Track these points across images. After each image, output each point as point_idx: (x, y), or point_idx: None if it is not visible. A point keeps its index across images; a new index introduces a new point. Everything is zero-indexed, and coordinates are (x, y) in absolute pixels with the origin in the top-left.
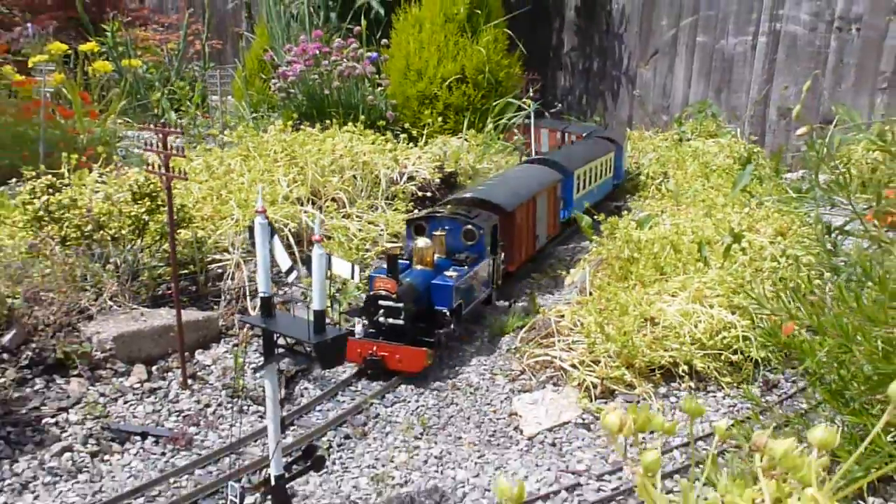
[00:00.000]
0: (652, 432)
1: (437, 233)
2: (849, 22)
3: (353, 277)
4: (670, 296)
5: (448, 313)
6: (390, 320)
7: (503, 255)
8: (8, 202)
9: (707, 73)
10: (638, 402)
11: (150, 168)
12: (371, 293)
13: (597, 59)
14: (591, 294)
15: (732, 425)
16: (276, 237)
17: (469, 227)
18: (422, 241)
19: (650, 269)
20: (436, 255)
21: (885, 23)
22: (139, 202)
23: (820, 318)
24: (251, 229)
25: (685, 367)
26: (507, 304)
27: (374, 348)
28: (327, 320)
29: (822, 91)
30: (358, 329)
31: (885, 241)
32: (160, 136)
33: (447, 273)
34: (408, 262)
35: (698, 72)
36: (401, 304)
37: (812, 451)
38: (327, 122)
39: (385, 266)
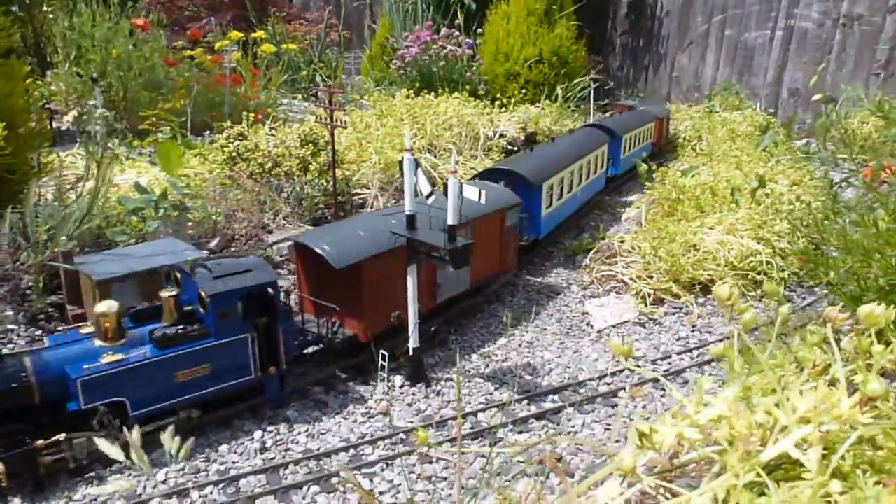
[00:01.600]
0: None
1: (166, 293)
2: (851, 19)
3: (480, 200)
4: (709, 228)
5: (97, 414)
6: None
7: (337, 322)
8: (208, 147)
9: (732, 59)
10: (683, 307)
11: (318, 120)
12: None
13: (643, 47)
14: (645, 226)
15: (793, 312)
16: (419, 169)
17: (202, 291)
18: (104, 305)
19: (692, 207)
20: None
21: (881, 20)
22: (305, 147)
23: (847, 240)
24: (401, 163)
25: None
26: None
27: None
28: None
29: (826, 75)
30: None
31: (880, 193)
32: (327, 94)
33: (105, 358)
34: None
35: (724, 58)
36: None
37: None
38: (438, 91)
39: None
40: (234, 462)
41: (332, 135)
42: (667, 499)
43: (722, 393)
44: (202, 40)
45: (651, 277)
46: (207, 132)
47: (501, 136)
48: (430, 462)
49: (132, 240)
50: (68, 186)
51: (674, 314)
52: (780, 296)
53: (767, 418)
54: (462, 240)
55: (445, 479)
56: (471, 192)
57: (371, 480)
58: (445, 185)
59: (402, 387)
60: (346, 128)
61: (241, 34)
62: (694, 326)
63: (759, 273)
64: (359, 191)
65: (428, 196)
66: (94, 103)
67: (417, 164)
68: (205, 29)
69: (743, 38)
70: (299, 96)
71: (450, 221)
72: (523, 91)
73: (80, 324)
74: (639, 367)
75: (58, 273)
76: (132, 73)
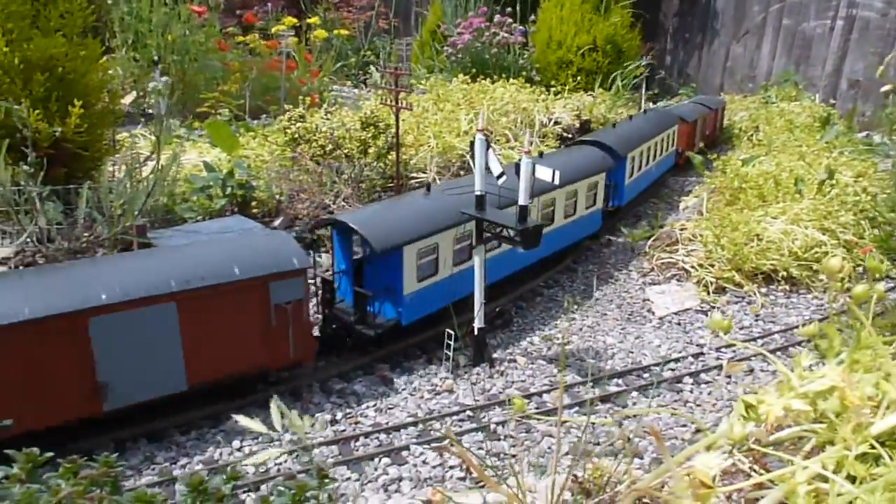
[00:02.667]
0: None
1: None
2: None
3: (553, 181)
4: (772, 218)
5: None
6: None
7: None
8: (268, 129)
9: (789, 49)
10: (746, 297)
11: (383, 101)
12: None
13: (697, 36)
14: (706, 214)
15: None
16: (490, 149)
17: None
18: None
19: (754, 197)
20: None
21: None
22: (366, 129)
23: None
24: (472, 143)
25: (784, 273)
26: None
27: None
28: None
29: (889, 66)
30: None
31: None
32: (392, 76)
33: None
34: None
35: (781, 48)
36: None
37: None
38: (493, 77)
39: None
40: (305, 432)
41: (397, 116)
42: (760, 474)
43: (822, 368)
44: (255, 25)
45: (713, 266)
46: (264, 116)
47: (556, 123)
48: (499, 439)
49: (200, 216)
50: (138, 164)
51: (736, 303)
52: (882, 272)
53: (875, 392)
54: (532, 220)
55: (514, 456)
56: (544, 174)
57: (441, 455)
58: (517, 165)
59: (465, 366)
60: (411, 109)
61: (295, 20)
62: (757, 316)
63: None
64: (416, 175)
65: (498, 177)
66: (164, 79)
67: (489, 145)
68: (258, 14)
69: (801, 28)
70: (349, 83)
71: (521, 202)
72: (576, 79)
73: None
74: (702, 352)
75: (130, 246)
76: (188, 56)
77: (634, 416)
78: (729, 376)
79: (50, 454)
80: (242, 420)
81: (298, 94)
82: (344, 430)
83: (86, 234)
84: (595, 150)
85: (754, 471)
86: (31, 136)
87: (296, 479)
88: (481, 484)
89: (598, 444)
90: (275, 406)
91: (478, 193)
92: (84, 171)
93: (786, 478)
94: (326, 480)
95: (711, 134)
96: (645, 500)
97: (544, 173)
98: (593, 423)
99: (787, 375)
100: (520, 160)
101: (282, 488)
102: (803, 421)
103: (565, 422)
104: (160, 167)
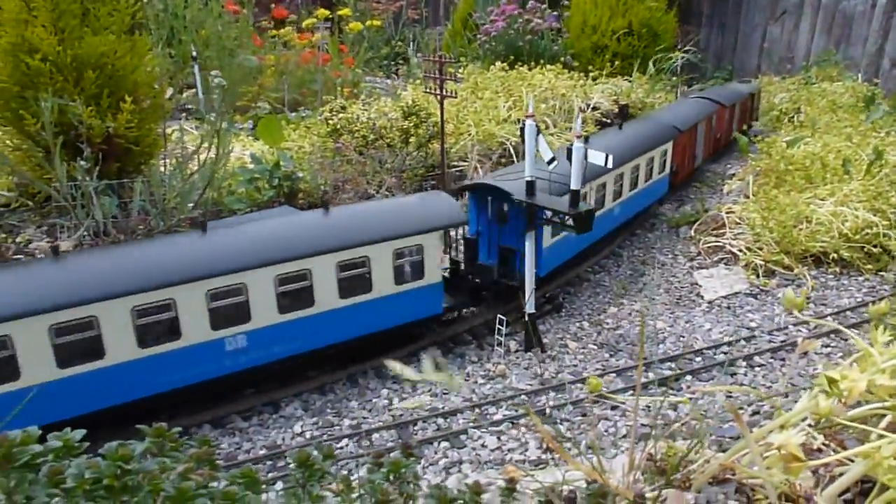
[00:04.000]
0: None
1: None
2: None
3: (607, 165)
4: (820, 200)
5: None
6: None
7: None
8: (311, 121)
9: (828, 29)
10: (796, 279)
11: (427, 90)
12: None
13: (733, 18)
14: (752, 197)
15: None
16: (541, 135)
17: None
18: None
19: (800, 179)
20: None
21: None
22: (408, 119)
23: None
24: (522, 129)
25: (834, 255)
26: None
27: None
28: None
29: None
30: None
31: None
32: (437, 64)
33: None
34: None
35: (820, 28)
36: None
37: None
38: (530, 65)
39: None
40: (364, 417)
41: (442, 105)
42: (835, 450)
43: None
44: (287, 19)
45: (761, 249)
46: (301, 108)
47: (594, 108)
48: (555, 423)
49: (248, 208)
50: (187, 158)
51: (786, 286)
52: None
53: None
54: (585, 205)
55: (570, 439)
56: (597, 158)
57: (499, 438)
58: (569, 150)
59: (516, 352)
60: (457, 97)
61: (327, 11)
62: (808, 298)
63: (874, 246)
64: (456, 163)
65: (549, 162)
66: (214, 72)
67: (539, 131)
68: (290, 8)
69: (841, 7)
70: (381, 73)
71: (573, 186)
72: (612, 64)
73: None
74: (754, 336)
75: None
76: (224, 52)
77: (690, 398)
78: (783, 360)
79: (178, 429)
80: (396, 366)
81: (334, 86)
82: (402, 415)
83: (140, 227)
84: (434, 198)
85: (827, 446)
86: (86, 132)
87: (385, 456)
88: (541, 466)
89: (653, 426)
90: (428, 358)
91: (528, 179)
92: (135, 166)
93: (870, 453)
94: (412, 458)
95: (727, 135)
96: (726, 476)
97: (597, 158)
98: (648, 406)
99: (869, 351)
100: (571, 145)
101: (373, 466)
102: (885, 397)
103: (624, 403)
104: (216, 160)
